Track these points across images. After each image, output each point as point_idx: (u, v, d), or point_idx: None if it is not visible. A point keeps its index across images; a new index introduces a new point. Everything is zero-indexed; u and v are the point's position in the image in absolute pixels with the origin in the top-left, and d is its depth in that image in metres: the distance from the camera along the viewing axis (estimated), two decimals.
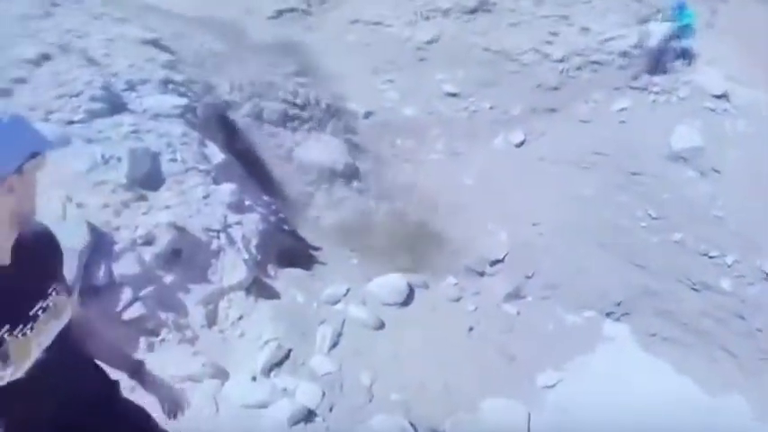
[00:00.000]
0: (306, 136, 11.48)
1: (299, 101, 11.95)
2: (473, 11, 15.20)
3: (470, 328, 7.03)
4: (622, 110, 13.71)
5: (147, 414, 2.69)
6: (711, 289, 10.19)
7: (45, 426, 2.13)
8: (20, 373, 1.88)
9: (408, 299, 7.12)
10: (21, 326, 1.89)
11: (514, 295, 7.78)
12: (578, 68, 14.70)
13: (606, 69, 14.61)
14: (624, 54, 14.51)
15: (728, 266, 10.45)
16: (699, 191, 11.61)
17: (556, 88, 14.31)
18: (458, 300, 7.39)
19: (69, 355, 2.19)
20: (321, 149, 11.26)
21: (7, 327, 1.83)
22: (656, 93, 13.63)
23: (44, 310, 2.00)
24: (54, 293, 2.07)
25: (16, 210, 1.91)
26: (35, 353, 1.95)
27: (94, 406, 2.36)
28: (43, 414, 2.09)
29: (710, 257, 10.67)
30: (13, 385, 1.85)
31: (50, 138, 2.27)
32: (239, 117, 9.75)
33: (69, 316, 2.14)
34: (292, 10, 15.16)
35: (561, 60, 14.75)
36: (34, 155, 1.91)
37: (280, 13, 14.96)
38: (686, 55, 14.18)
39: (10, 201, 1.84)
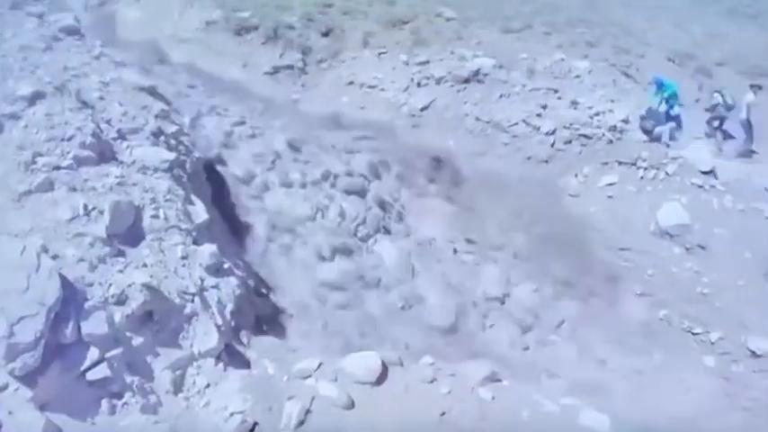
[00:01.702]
0: None
1: None
2: (466, 80, 15.58)
3: (442, 413, 6.88)
4: (610, 185, 13.93)
5: None
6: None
7: None
8: None
9: (382, 377, 6.98)
10: None
11: (491, 379, 7.64)
12: (568, 142, 14.98)
13: (595, 143, 14.89)
14: (613, 128, 14.84)
15: (712, 343, 10.53)
16: (685, 267, 11.73)
17: (546, 161, 14.53)
18: (432, 381, 7.25)
19: None
20: None
21: None
22: (645, 168, 13.82)
23: None
24: None
25: None
26: None
27: None
28: None
29: (694, 334, 10.76)
30: None
31: None
32: (228, 172, 9.75)
33: None
34: (289, 67, 15.41)
35: (551, 133, 15.03)
36: None
37: (276, 69, 15.21)
38: (678, 122, 14.62)
39: None
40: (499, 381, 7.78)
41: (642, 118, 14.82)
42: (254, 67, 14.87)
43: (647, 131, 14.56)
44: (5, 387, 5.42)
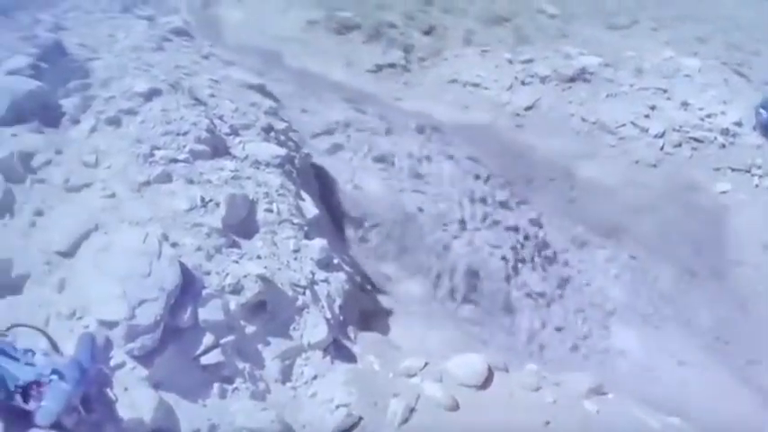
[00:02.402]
0: None
1: None
2: (571, 79, 15.06)
3: (547, 422, 6.65)
4: (723, 193, 13.06)
5: None
6: None
7: None
8: None
9: (487, 381, 6.84)
10: None
11: (596, 391, 7.31)
12: (677, 145, 14.17)
13: (706, 147, 14.01)
14: (725, 132, 13.91)
15: None
16: None
17: (654, 165, 13.80)
18: (537, 389, 7.02)
19: None
20: None
21: None
22: (759, 176, 13.02)
23: None
24: None
25: None
26: None
27: None
28: None
29: None
30: None
31: None
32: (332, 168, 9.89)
33: None
34: (392, 65, 15.46)
35: (660, 135, 14.26)
36: None
37: (379, 67, 15.31)
38: None
39: None
40: (605, 394, 7.46)
41: (758, 111, 13.72)
42: (356, 66, 15.07)
43: (764, 126, 13.48)
44: (122, 365, 5.66)
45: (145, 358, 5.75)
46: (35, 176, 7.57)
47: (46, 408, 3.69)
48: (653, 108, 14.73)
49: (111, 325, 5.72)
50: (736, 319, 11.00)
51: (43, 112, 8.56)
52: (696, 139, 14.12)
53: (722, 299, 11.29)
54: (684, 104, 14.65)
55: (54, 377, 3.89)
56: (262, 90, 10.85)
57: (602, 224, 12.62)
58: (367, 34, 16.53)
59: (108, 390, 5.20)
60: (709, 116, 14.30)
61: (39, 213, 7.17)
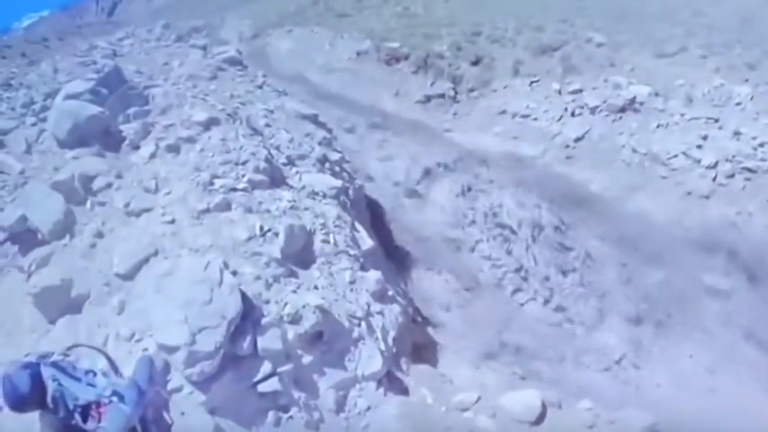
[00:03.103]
0: None
1: None
2: (622, 109, 14.92)
3: None
4: None
5: None
6: None
7: None
8: None
9: (540, 417, 6.76)
10: None
11: (651, 429, 7.13)
12: (730, 176, 13.84)
13: (760, 178, 13.65)
14: None
15: None
16: None
17: (707, 197, 13.51)
18: (591, 427, 6.89)
19: None
20: None
21: None
22: None
23: None
24: None
25: None
26: None
27: None
28: None
29: None
30: None
31: None
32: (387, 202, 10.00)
33: None
34: (441, 96, 15.56)
35: (712, 166, 13.96)
36: None
37: (428, 98, 15.42)
38: None
39: None
40: None
41: None
42: (405, 96, 15.24)
43: None
44: (180, 389, 5.80)
45: (203, 384, 5.87)
46: (95, 199, 7.83)
47: (105, 429, 3.80)
48: (705, 138, 14.42)
49: (172, 350, 5.86)
50: None
51: (104, 137, 8.85)
52: (749, 170, 13.76)
53: None
54: (737, 134, 14.31)
55: (114, 399, 3.99)
56: (315, 120, 11.07)
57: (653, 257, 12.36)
58: (415, 64, 16.74)
59: (165, 413, 5.34)
60: (762, 145, 13.92)
61: (99, 235, 7.40)
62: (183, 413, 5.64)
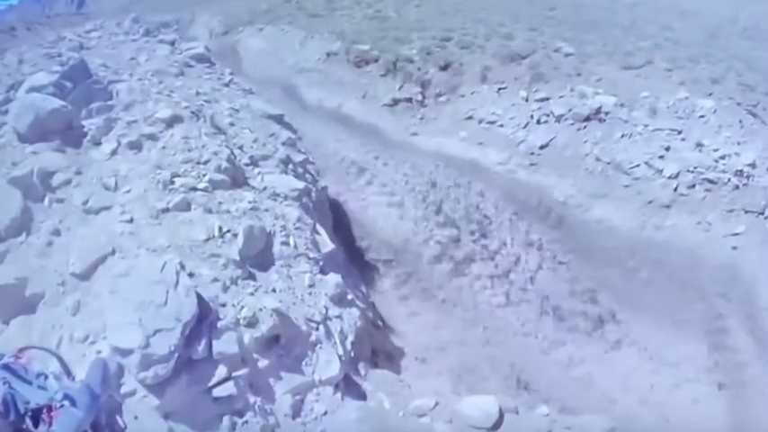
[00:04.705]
0: None
1: None
2: (587, 119, 15.12)
3: None
4: (735, 235, 12.97)
5: None
6: None
7: None
8: None
9: (497, 424, 6.78)
10: None
11: None
12: (691, 186, 14.13)
13: (720, 189, 13.98)
14: (739, 173, 13.87)
15: None
16: None
17: (667, 206, 13.77)
18: None
19: None
20: None
21: None
22: None
23: None
24: None
25: None
26: None
27: None
28: None
29: None
30: None
31: None
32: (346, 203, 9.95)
33: None
34: (408, 100, 15.56)
35: (674, 177, 14.24)
36: None
37: (395, 101, 15.40)
38: None
39: None
40: None
41: None
42: (372, 99, 15.17)
43: None
44: (134, 393, 5.67)
45: (157, 387, 5.75)
46: (54, 195, 7.64)
47: None
48: (667, 149, 14.67)
49: (126, 352, 5.74)
50: None
51: (65, 132, 8.65)
52: (710, 181, 14.05)
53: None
54: (699, 145, 14.59)
55: (66, 402, 3.89)
56: (280, 120, 10.96)
57: (616, 268, 12.54)
58: (385, 68, 16.71)
59: (118, 418, 5.20)
60: (723, 157, 14.21)
61: (56, 233, 7.23)
62: (136, 417, 5.51)
